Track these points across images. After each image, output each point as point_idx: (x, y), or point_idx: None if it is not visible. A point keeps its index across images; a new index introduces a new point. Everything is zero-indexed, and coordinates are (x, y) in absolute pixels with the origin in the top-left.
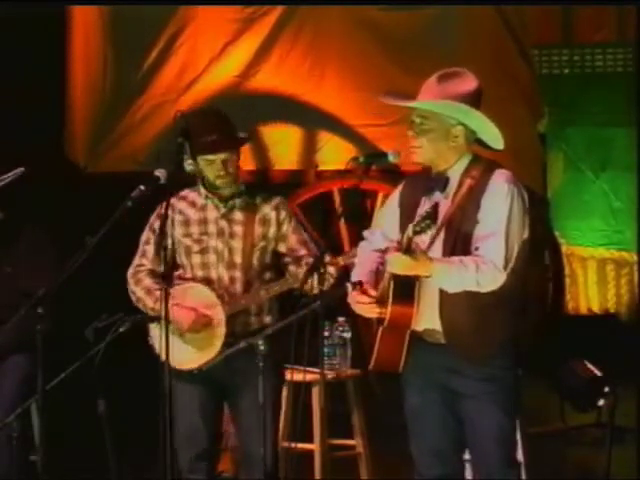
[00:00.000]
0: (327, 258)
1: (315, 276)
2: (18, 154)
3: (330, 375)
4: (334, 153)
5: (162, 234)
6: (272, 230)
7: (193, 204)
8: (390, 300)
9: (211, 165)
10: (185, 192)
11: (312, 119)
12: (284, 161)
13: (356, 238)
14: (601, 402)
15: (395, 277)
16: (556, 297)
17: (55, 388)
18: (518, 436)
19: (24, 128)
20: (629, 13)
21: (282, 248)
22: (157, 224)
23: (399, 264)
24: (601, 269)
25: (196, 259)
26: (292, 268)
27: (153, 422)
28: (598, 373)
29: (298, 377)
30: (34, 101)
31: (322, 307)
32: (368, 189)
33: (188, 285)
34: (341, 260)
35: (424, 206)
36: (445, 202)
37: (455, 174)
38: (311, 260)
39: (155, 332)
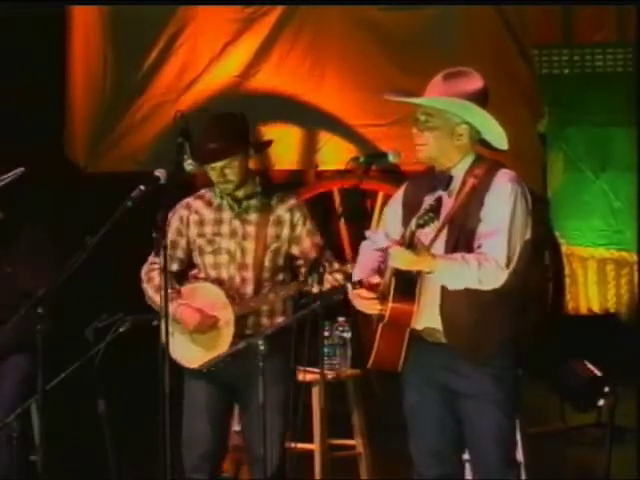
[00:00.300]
0: (335, 265)
1: (315, 276)
2: (18, 154)
3: (330, 375)
4: (334, 153)
5: (162, 234)
6: (285, 232)
7: (209, 203)
8: (391, 297)
9: (212, 171)
10: (203, 191)
11: (312, 119)
12: (284, 161)
13: (356, 238)
14: (601, 402)
15: (397, 274)
16: (556, 297)
17: (55, 388)
18: (518, 436)
19: (24, 128)
20: (629, 13)
21: (295, 250)
22: (174, 222)
23: (401, 258)
24: (601, 269)
25: (209, 259)
26: (304, 271)
27: (153, 422)
28: (598, 373)
29: (298, 377)
30: (34, 101)
31: (322, 307)
32: (368, 189)
33: (198, 284)
34: (350, 268)
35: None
36: (448, 200)
37: (459, 173)
38: (325, 264)
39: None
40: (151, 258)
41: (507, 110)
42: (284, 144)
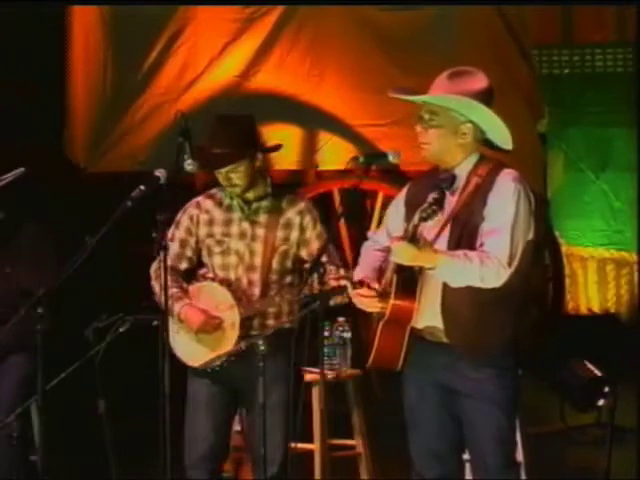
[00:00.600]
0: (342, 271)
1: (315, 276)
2: (18, 154)
3: (330, 375)
4: (334, 153)
5: (162, 233)
6: (294, 234)
7: (220, 204)
8: (392, 294)
9: (218, 175)
10: (214, 191)
11: (312, 119)
12: (284, 161)
13: (356, 238)
14: (601, 402)
15: (398, 271)
16: (556, 297)
17: (55, 388)
18: (518, 436)
19: (24, 128)
20: (629, 13)
21: (304, 253)
22: (184, 221)
23: (403, 252)
24: (601, 269)
25: (217, 260)
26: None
27: (153, 422)
28: (598, 373)
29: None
30: (34, 101)
31: (322, 307)
32: (368, 189)
33: (205, 284)
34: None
35: None
36: (452, 199)
37: (462, 172)
38: (332, 268)
39: (172, 328)
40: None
41: (507, 110)
42: (284, 144)
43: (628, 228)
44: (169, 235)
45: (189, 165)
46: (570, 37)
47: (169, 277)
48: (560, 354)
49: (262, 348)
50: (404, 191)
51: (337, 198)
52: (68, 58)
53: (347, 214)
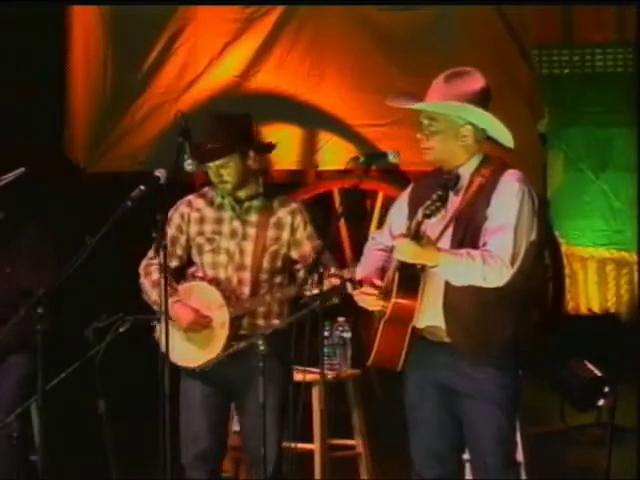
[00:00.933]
0: (332, 269)
1: (315, 277)
2: (18, 154)
3: (330, 375)
4: (334, 153)
5: (161, 233)
6: (285, 235)
7: (211, 202)
8: (394, 293)
9: (210, 171)
10: (205, 189)
11: (312, 119)
12: (284, 161)
13: (356, 238)
14: (601, 402)
15: (400, 270)
16: (556, 297)
17: (55, 388)
18: (518, 436)
19: (24, 128)
20: (629, 13)
21: (294, 254)
22: (175, 219)
23: (406, 250)
24: (601, 269)
25: (207, 258)
26: (302, 273)
27: (153, 422)
28: (598, 373)
29: (298, 377)
30: (34, 101)
31: (322, 307)
32: (368, 189)
33: (195, 283)
34: (347, 273)
35: None
36: (455, 199)
37: (466, 172)
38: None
39: (159, 328)
40: (150, 254)
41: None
42: (284, 144)
43: (628, 228)
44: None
45: (189, 165)
46: (570, 37)
47: (159, 274)
48: (560, 354)
49: (262, 348)
50: (407, 190)
51: (337, 198)
52: (68, 58)
53: (347, 214)
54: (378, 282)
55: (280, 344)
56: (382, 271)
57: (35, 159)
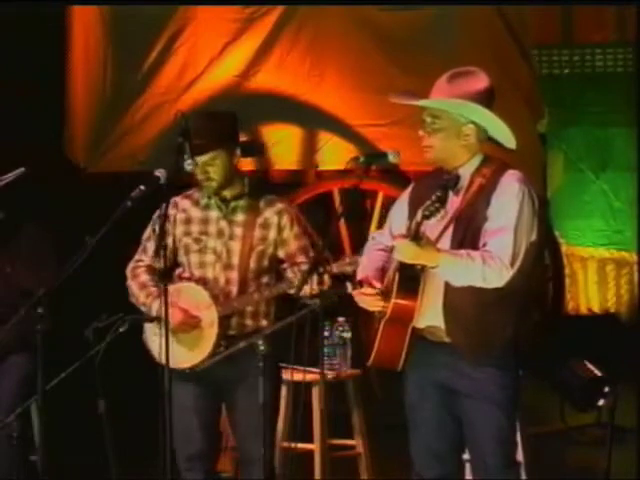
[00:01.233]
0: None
1: (315, 277)
2: (18, 154)
3: (330, 375)
4: (334, 153)
5: (161, 233)
6: (272, 234)
7: (197, 203)
8: (394, 293)
9: (196, 169)
10: (191, 191)
11: (312, 119)
12: (284, 161)
13: (356, 238)
14: (601, 402)
15: (400, 270)
16: (556, 297)
17: (55, 388)
18: (518, 436)
19: (24, 128)
20: (629, 13)
21: (281, 253)
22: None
23: (406, 250)
24: (601, 269)
25: (194, 258)
26: (288, 274)
27: (153, 422)
28: (598, 373)
29: (298, 377)
30: (34, 101)
31: (321, 307)
32: (368, 189)
33: (183, 285)
34: (335, 268)
35: None
36: (455, 199)
37: (466, 172)
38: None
39: (148, 330)
40: (137, 256)
41: (507, 110)
42: (284, 144)
43: (628, 228)
44: (145, 234)
45: (189, 165)
46: (570, 37)
47: (147, 276)
48: (560, 354)
49: (262, 348)
50: (408, 191)
51: (337, 198)
52: (68, 58)
53: (347, 214)
54: (377, 284)
55: (274, 343)
56: (382, 271)
57: (35, 159)
